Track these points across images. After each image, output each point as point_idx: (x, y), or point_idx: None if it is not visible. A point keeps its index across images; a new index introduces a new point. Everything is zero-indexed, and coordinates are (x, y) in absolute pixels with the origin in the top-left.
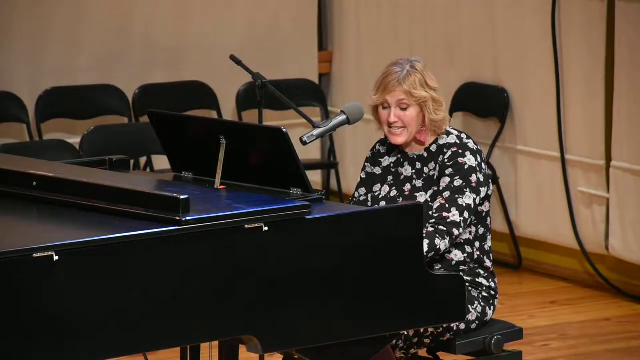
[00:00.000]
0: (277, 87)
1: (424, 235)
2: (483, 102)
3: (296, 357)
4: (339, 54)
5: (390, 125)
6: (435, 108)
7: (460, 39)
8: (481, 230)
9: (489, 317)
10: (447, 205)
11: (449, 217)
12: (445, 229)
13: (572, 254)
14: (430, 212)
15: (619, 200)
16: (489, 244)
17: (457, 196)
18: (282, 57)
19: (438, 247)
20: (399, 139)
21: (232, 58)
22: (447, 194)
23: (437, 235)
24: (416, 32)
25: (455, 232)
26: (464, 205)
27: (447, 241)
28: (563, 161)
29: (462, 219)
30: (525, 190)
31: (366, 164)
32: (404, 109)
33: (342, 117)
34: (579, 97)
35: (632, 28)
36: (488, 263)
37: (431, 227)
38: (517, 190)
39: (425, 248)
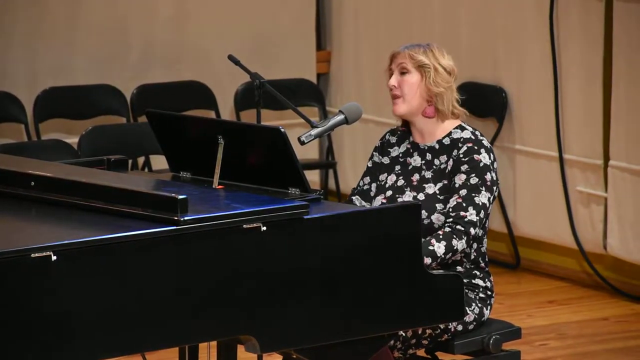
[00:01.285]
0: (275, 86)
1: (441, 236)
2: (481, 101)
3: (294, 356)
4: (337, 54)
5: (391, 92)
6: (436, 80)
7: (459, 38)
8: (480, 232)
9: (486, 317)
10: (464, 204)
11: (466, 216)
12: (463, 228)
13: (570, 253)
14: (441, 208)
15: (617, 199)
16: (485, 245)
17: (473, 194)
18: (281, 56)
19: (455, 247)
20: (398, 108)
21: (230, 58)
22: (463, 191)
23: (455, 236)
24: (414, 32)
25: (472, 231)
26: (480, 204)
27: (464, 241)
28: (561, 161)
29: (478, 218)
30: (524, 189)
31: (374, 152)
32: (404, 74)
33: (340, 117)
34: (577, 96)
35: (630, 28)
36: (483, 264)
37: (448, 227)
38: (516, 190)
39: (442, 250)
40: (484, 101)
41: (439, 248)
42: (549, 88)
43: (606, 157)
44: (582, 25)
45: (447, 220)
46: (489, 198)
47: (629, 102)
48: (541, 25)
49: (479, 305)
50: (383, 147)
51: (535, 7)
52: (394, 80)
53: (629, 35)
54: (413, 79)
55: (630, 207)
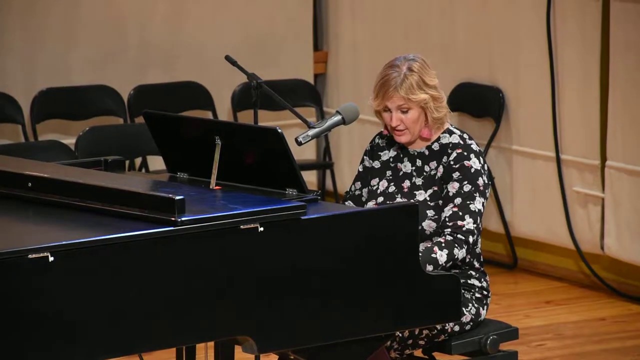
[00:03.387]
0: (273, 87)
1: (443, 244)
2: (478, 102)
3: (292, 357)
4: (334, 54)
5: (392, 127)
6: (437, 106)
7: (455, 39)
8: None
9: (482, 317)
10: (460, 213)
11: (464, 225)
12: (463, 237)
13: (568, 253)
14: (432, 215)
15: (614, 200)
16: (479, 246)
17: (468, 202)
18: (278, 57)
19: (456, 256)
20: (403, 139)
21: (228, 58)
22: (458, 200)
23: (456, 245)
24: (411, 32)
25: (471, 239)
26: (476, 211)
27: (464, 250)
28: (558, 161)
29: (475, 225)
30: (521, 190)
31: (365, 157)
32: (405, 112)
33: (338, 117)
34: (574, 96)
35: (627, 28)
36: (478, 264)
37: (449, 235)
38: (513, 190)
39: (444, 258)
40: (481, 102)
41: (441, 256)
42: (546, 88)
43: (603, 157)
44: (579, 25)
45: (445, 230)
46: (482, 203)
47: (625, 101)
48: (538, 25)
49: (476, 305)
50: (373, 151)
51: (532, 7)
52: (396, 121)
53: (626, 36)
54: (415, 114)
55: (627, 207)
